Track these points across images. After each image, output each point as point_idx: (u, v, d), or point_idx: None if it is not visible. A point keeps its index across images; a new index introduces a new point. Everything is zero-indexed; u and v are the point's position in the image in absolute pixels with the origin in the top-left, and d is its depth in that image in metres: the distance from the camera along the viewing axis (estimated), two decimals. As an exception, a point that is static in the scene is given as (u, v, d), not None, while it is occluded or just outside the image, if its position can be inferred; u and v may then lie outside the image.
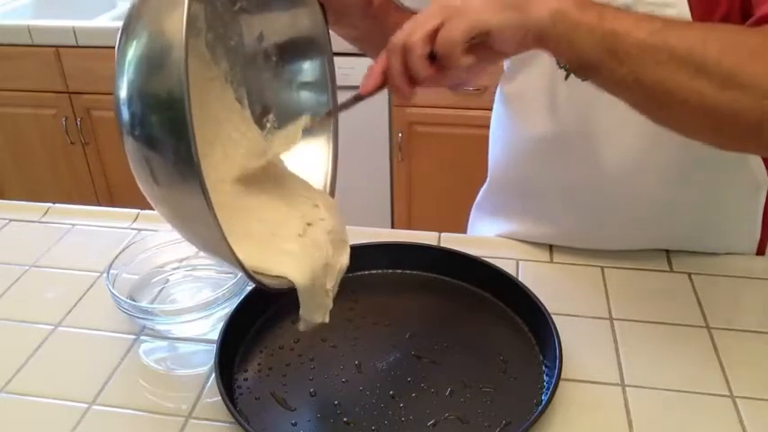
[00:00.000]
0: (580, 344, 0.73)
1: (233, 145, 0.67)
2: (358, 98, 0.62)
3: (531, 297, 0.75)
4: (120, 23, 0.51)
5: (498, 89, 0.91)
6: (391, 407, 0.67)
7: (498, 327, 0.77)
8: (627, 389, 0.69)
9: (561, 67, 0.78)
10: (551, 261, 0.88)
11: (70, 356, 0.75)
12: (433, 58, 0.57)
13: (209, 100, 0.65)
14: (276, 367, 0.72)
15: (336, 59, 0.70)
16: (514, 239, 0.92)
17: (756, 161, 0.80)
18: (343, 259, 0.66)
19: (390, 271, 0.86)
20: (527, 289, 0.77)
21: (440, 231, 0.93)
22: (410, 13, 0.80)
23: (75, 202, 1.12)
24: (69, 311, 0.81)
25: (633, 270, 0.86)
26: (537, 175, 0.88)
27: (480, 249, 0.86)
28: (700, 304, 0.80)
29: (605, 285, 0.83)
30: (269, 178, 0.67)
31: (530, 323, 0.76)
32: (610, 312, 0.79)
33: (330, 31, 0.70)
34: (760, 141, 0.57)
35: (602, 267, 0.86)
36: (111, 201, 2.23)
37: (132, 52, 0.49)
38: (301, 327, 0.67)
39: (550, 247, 0.90)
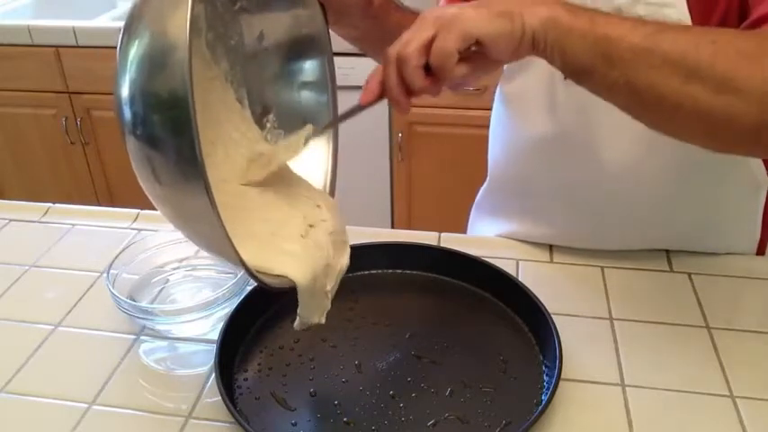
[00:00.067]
0: (580, 344, 0.73)
1: (234, 145, 0.67)
2: (358, 108, 0.62)
3: (531, 297, 0.75)
4: (120, 23, 0.51)
5: (498, 89, 0.91)
6: (391, 407, 0.67)
7: (498, 327, 0.77)
8: (627, 389, 0.69)
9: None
10: (551, 261, 0.88)
11: (70, 356, 0.75)
12: (428, 68, 0.57)
13: (209, 100, 0.65)
14: (276, 367, 0.72)
15: (336, 59, 0.70)
16: (514, 239, 0.92)
17: (756, 161, 0.81)
18: (344, 260, 0.66)
19: (390, 271, 0.86)
20: (527, 289, 0.77)
21: (440, 231, 0.93)
22: (410, 12, 0.80)
23: (75, 202, 1.12)
24: (69, 311, 0.81)
25: (633, 270, 0.86)
26: (536, 175, 0.88)
27: (480, 249, 0.86)
28: (700, 304, 0.80)
29: (605, 285, 0.83)
30: (272, 178, 0.67)
31: (530, 323, 0.76)
32: (610, 312, 0.79)
33: (330, 31, 0.70)
34: (755, 145, 0.57)
35: (602, 267, 0.86)
36: (111, 201, 2.23)
37: (134, 52, 0.49)
38: (297, 326, 0.67)
39: (550, 247, 0.90)
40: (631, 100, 0.58)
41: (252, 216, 0.63)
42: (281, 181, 0.68)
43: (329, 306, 0.66)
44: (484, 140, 0.97)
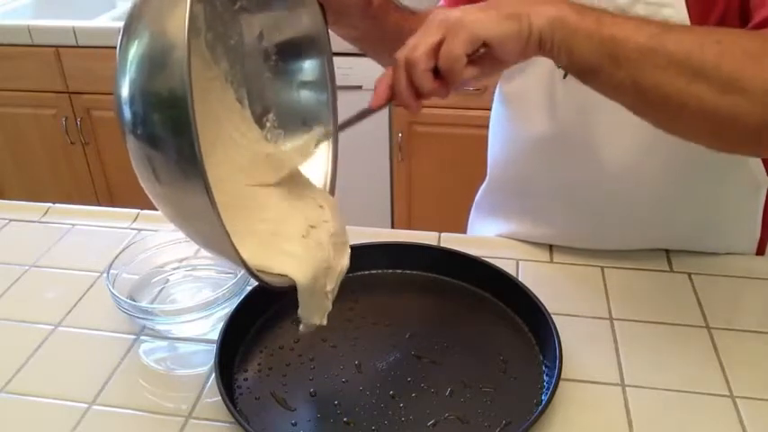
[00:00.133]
0: (580, 344, 0.73)
1: (234, 145, 0.67)
2: (367, 112, 0.63)
3: (531, 297, 0.75)
4: (120, 23, 0.51)
5: (497, 89, 0.91)
6: (391, 407, 0.67)
7: (498, 327, 0.77)
8: (627, 389, 0.69)
9: (560, 67, 0.78)
10: (551, 261, 0.88)
11: (70, 356, 0.75)
12: (437, 71, 0.58)
13: (209, 100, 0.65)
14: (276, 367, 0.72)
15: (336, 59, 0.70)
16: (514, 239, 0.92)
17: (755, 161, 0.81)
18: (344, 261, 0.67)
19: (390, 271, 0.86)
20: (527, 289, 0.77)
21: (440, 231, 0.93)
22: (409, 13, 0.80)
23: (75, 202, 1.12)
24: (69, 311, 0.81)
25: (633, 270, 0.86)
26: (536, 175, 0.88)
27: (480, 249, 0.86)
28: (700, 304, 0.80)
29: (605, 285, 0.83)
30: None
31: (530, 323, 0.76)
32: (610, 312, 0.79)
33: (330, 31, 0.70)
34: (758, 145, 0.57)
35: (602, 267, 0.86)
36: (111, 201, 2.23)
37: (134, 51, 0.49)
38: (301, 329, 0.67)
39: (550, 247, 0.90)
40: (637, 99, 0.58)
41: (252, 216, 0.64)
42: (286, 181, 0.68)
43: (330, 307, 0.66)
44: (484, 140, 0.97)
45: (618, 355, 0.73)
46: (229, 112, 0.68)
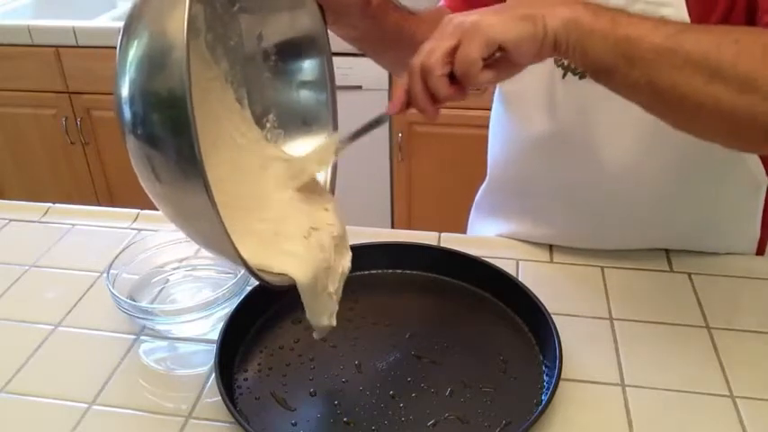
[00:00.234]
0: (580, 344, 0.73)
1: (233, 145, 0.67)
2: (384, 118, 0.63)
3: (531, 297, 0.75)
4: (120, 23, 0.51)
5: (497, 88, 0.91)
6: (391, 407, 0.67)
7: (498, 327, 0.77)
8: (627, 389, 0.69)
9: (559, 66, 0.78)
10: (551, 261, 0.88)
11: (70, 356, 0.75)
12: (452, 76, 0.57)
13: (209, 100, 0.65)
14: (276, 367, 0.72)
15: (336, 59, 0.70)
16: (514, 239, 0.92)
17: (755, 161, 0.80)
18: (345, 263, 0.67)
19: (390, 271, 0.86)
20: (527, 289, 0.77)
21: (440, 231, 0.93)
22: (408, 13, 0.80)
23: (75, 202, 1.12)
24: (69, 311, 0.81)
25: (633, 270, 0.86)
26: (536, 175, 0.88)
27: (480, 249, 0.86)
28: (700, 304, 0.80)
29: (605, 285, 0.83)
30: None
31: (530, 323, 0.76)
32: (610, 312, 0.79)
33: (329, 31, 0.70)
34: None
35: (602, 267, 0.86)
36: (111, 201, 2.23)
37: (134, 52, 0.49)
38: (315, 335, 0.68)
39: (550, 247, 0.90)
40: (653, 100, 0.58)
41: (251, 215, 0.64)
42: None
43: (336, 308, 0.66)
44: (483, 140, 0.97)
45: (618, 355, 0.73)
46: (229, 112, 0.68)
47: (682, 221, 0.85)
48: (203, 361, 0.74)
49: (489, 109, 0.95)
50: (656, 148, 0.78)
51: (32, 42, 2.00)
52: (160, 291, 0.84)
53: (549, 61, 0.78)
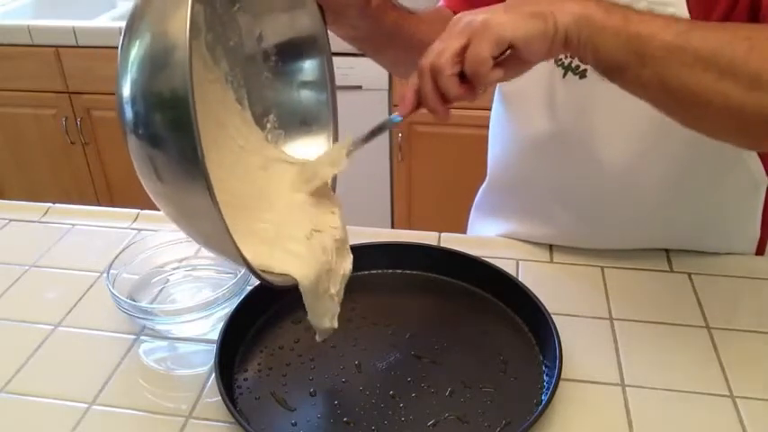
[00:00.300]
0: (580, 344, 0.73)
1: (234, 146, 0.67)
2: (393, 121, 0.63)
3: (531, 297, 0.75)
4: (120, 23, 0.52)
5: (497, 88, 0.91)
6: (391, 407, 0.67)
7: (498, 327, 0.77)
8: (627, 389, 0.69)
9: (559, 66, 0.78)
10: (551, 261, 0.88)
11: (70, 356, 0.75)
12: (462, 75, 0.57)
13: (209, 101, 0.65)
14: (276, 367, 0.72)
15: (336, 59, 0.70)
16: (514, 239, 0.92)
17: (755, 161, 0.80)
18: (346, 265, 0.67)
19: (390, 271, 0.86)
20: (527, 289, 0.77)
21: (440, 231, 0.93)
22: (407, 12, 0.80)
23: (75, 202, 1.12)
24: (69, 311, 0.81)
25: (633, 270, 0.86)
26: (536, 175, 0.88)
27: (480, 249, 0.86)
28: (700, 304, 0.80)
29: (605, 285, 0.83)
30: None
31: (530, 323, 0.76)
32: (610, 312, 0.79)
33: (329, 31, 0.70)
34: None
35: (602, 267, 0.86)
36: (111, 201, 2.23)
37: (135, 52, 0.49)
38: (318, 337, 0.68)
39: (550, 247, 0.90)
40: (664, 97, 0.57)
41: (253, 216, 0.64)
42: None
43: (338, 310, 0.66)
44: (484, 140, 0.97)
45: (618, 355, 0.73)
46: (230, 113, 0.68)
47: (682, 221, 0.85)
48: (203, 361, 0.74)
49: (489, 109, 0.95)
50: (657, 148, 0.78)
51: (32, 42, 2.01)
52: (160, 291, 0.84)
53: (549, 61, 0.78)
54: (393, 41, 0.79)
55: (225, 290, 0.75)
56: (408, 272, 0.86)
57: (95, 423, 0.67)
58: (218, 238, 0.52)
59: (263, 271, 0.59)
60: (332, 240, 0.65)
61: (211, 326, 0.77)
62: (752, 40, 0.54)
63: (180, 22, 0.46)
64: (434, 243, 0.90)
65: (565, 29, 0.55)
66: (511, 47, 0.56)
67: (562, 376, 0.66)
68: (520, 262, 0.88)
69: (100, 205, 2.10)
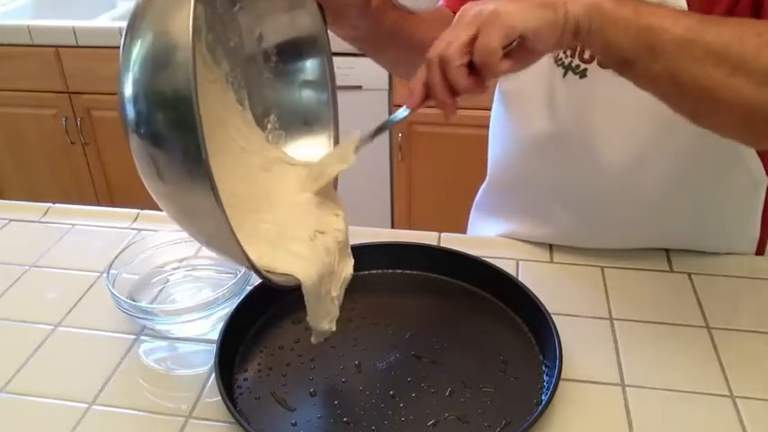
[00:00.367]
0: (580, 344, 0.73)
1: (235, 146, 0.67)
2: (401, 115, 0.63)
3: (531, 297, 0.75)
4: (120, 23, 0.52)
5: (497, 88, 0.91)
6: (391, 407, 0.67)
7: (498, 327, 0.77)
8: (627, 389, 0.69)
9: (559, 65, 0.78)
10: (551, 261, 0.88)
11: (70, 356, 0.75)
12: (471, 66, 0.57)
13: (210, 101, 0.65)
14: (276, 367, 0.72)
15: (336, 59, 0.70)
16: (514, 239, 0.92)
17: (755, 160, 0.80)
18: (348, 269, 0.67)
19: (390, 271, 0.86)
20: (527, 289, 0.77)
21: (440, 231, 0.93)
22: (407, 12, 0.80)
23: (75, 202, 1.12)
24: (69, 311, 0.81)
25: (633, 270, 0.86)
26: (536, 174, 0.88)
27: (480, 249, 0.86)
28: (700, 304, 0.80)
29: (605, 285, 0.83)
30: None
31: (530, 323, 0.76)
32: (610, 312, 0.79)
33: (329, 31, 0.70)
34: None
35: (602, 267, 0.86)
36: (111, 201, 2.23)
37: (137, 51, 0.49)
38: (313, 339, 0.68)
39: (550, 247, 0.90)
40: (672, 91, 0.57)
41: (254, 216, 0.64)
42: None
43: (338, 313, 0.66)
44: (484, 140, 0.97)
45: (618, 355, 0.73)
46: (230, 113, 0.68)
47: (682, 221, 0.85)
48: (203, 361, 0.74)
49: (489, 109, 0.95)
50: (657, 147, 0.78)
51: (32, 42, 2.01)
52: (160, 291, 0.84)
53: (549, 60, 0.78)
54: (393, 41, 0.79)
55: (225, 290, 0.75)
56: (408, 272, 0.86)
57: (95, 423, 0.67)
58: (222, 238, 0.52)
59: (267, 271, 0.59)
60: (335, 242, 0.65)
61: (211, 326, 0.77)
62: (762, 36, 0.54)
63: (183, 22, 0.46)
64: (434, 243, 0.90)
65: (575, 19, 0.55)
66: (520, 37, 0.55)
67: (562, 376, 0.66)
68: (520, 262, 0.88)
69: (100, 205, 2.10)
